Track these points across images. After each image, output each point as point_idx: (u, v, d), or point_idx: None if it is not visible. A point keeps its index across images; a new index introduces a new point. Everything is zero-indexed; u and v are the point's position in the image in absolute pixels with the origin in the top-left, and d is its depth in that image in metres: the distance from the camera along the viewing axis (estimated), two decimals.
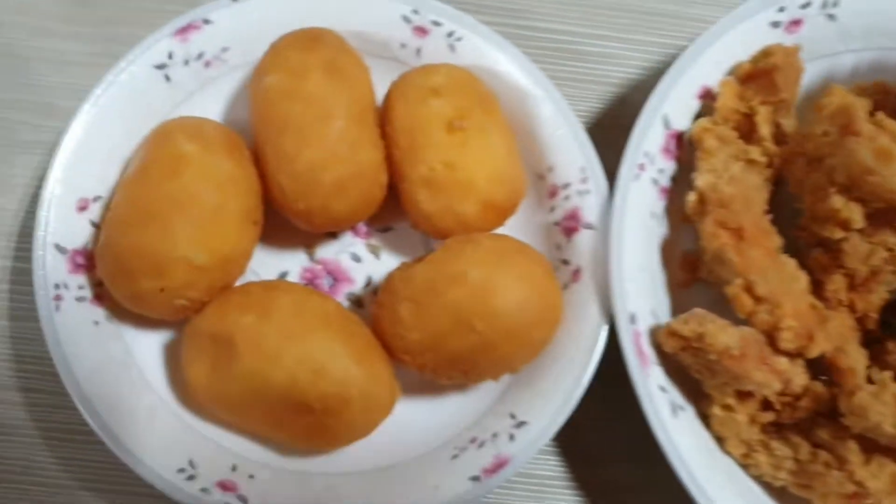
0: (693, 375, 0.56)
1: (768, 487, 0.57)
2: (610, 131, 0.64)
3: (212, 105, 0.62)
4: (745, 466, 0.57)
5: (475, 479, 0.55)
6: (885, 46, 0.64)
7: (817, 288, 0.58)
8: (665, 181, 0.61)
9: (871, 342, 0.58)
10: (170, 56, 0.60)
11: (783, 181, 0.61)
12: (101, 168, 0.58)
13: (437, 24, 0.62)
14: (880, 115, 0.57)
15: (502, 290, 0.52)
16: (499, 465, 0.55)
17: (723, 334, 0.52)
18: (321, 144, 0.54)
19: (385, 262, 0.62)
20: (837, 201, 0.55)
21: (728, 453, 0.57)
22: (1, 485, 0.60)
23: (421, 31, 0.62)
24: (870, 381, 0.54)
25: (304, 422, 0.53)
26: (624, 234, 0.57)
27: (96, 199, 0.58)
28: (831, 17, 0.63)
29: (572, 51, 0.70)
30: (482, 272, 0.52)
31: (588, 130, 0.62)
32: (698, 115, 0.62)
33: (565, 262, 0.59)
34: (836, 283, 0.57)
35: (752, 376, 0.53)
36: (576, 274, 0.58)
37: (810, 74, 0.63)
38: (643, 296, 0.57)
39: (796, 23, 0.62)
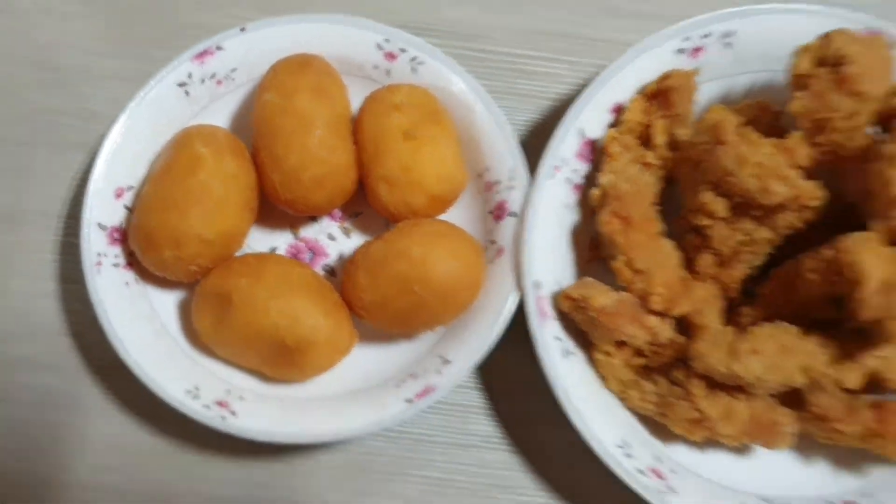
0: (583, 329, 0.73)
1: (639, 416, 0.74)
2: (542, 138, 0.76)
3: (222, 115, 0.79)
4: (622, 399, 0.74)
5: (409, 401, 0.72)
6: (775, 69, 0.76)
7: (690, 265, 0.73)
8: (579, 179, 0.76)
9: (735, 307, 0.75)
10: (189, 76, 0.76)
11: (676, 181, 0.78)
12: (133, 165, 0.76)
13: (403, 50, 0.78)
14: (747, 129, 0.73)
15: (435, 263, 0.70)
16: (426, 392, 0.72)
17: (601, 297, 0.69)
18: (303, 150, 0.71)
19: (354, 240, 0.80)
20: (706, 196, 0.70)
21: (610, 390, 0.74)
22: (48, 409, 0.78)
23: (391, 56, 0.78)
24: None
25: (283, 359, 0.71)
26: (537, 221, 0.73)
27: (129, 188, 0.76)
28: (728, 45, 0.77)
29: (518, 69, 0.85)
30: (422, 249, 0.70)
31: (526, 137, 0.80)
32: (612, 125, 0.76)
33: (493, 242, 0.76)
34: (705, 261, 0.72)
35: (623, 329, 0.69)
36: (500, 252, 0.75)
37: (710, 92, 0.78)
38: (549, 269, 0.73)
39: (698, 50, 0.77)
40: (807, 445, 0.74)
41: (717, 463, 0.75)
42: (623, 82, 0.77)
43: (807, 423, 0.71)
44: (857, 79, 0.68)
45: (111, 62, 0.85)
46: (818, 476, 0.75)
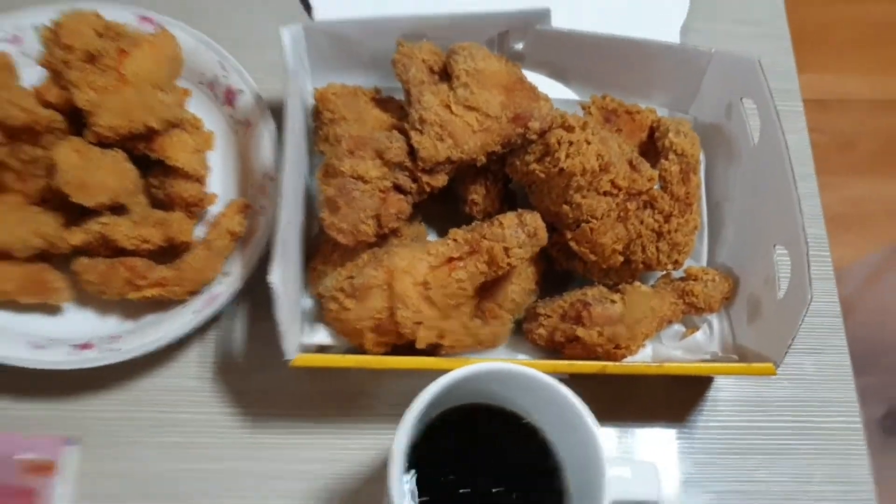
0: None
1: None
2: None
3: None
4: None
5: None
6: None
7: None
8: None
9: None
10: None
11: None
12: None
13: None
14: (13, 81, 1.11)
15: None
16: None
17: None
18: None
19: None
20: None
21: None
22: None
23: None
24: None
25: None
26: None
27: None
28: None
29: None
30: None
31: None
32: None
33: None
34: (8, 178, 1.04)
35: None
36: None
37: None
38: None
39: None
40: (83, 300, 1.11)
41: (32, 320, 1.10)
42: None
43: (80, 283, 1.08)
44: (64, 35, 1.08)
45: None
46: (98, 321, 1.11)
